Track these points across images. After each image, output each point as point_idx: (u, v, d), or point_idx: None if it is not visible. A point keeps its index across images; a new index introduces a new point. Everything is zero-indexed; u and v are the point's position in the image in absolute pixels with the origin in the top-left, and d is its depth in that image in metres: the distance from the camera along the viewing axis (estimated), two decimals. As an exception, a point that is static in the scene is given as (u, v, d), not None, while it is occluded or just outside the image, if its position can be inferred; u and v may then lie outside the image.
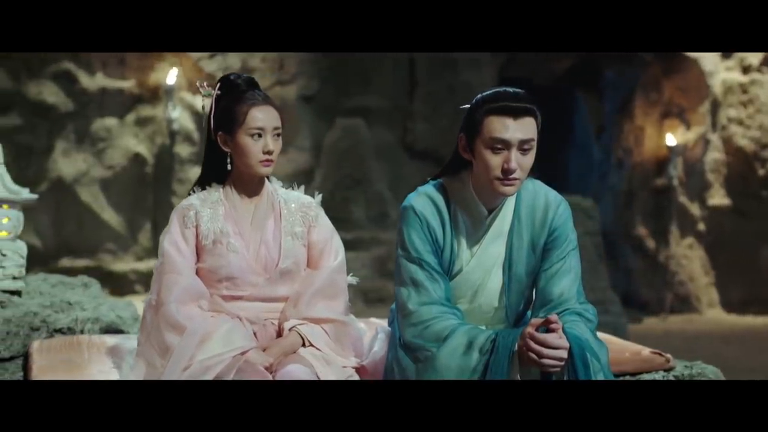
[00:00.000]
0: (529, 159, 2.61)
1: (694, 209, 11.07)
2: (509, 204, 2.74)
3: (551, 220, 2.72)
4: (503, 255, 2.74)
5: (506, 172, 2.57)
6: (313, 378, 2.66)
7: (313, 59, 10.21)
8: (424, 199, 2.73)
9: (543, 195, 2.75)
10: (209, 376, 2.63)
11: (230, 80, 2.95)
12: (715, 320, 10.75)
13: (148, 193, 9.72)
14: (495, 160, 2.58)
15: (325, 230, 2.99)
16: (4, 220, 3.84)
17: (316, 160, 10.13)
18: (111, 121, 9.63)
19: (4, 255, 3.80)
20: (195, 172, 9.70)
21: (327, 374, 2.74)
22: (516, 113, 2.57)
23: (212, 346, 2.68)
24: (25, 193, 3.89)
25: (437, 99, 10.39)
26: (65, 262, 9.33)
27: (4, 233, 3.85)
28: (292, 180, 9.66)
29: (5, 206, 3.84)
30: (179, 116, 9.55)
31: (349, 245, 9.08)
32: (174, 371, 2.65)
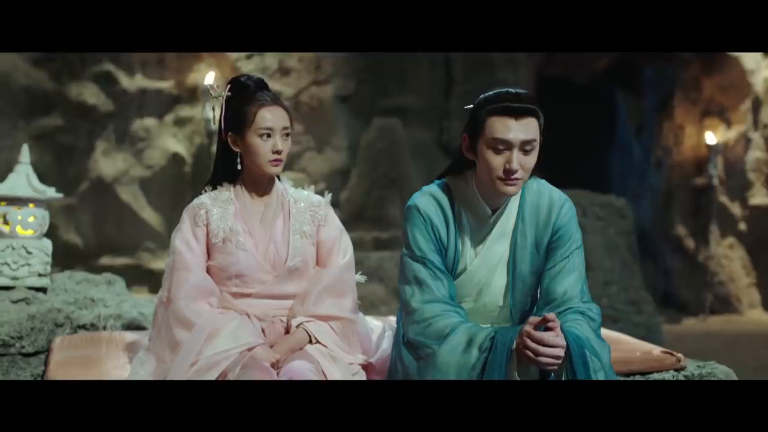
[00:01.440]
0: (531, 159, 2.62)
1: (735, 209, 10.95)
2: (513, 204, 2.75)
3: (555, 220, 2.73)
4: (507, 254, 2.74)
5: (508, 173, 2.58)
6: (317, 374, 2.69)
7: (350, 59, 10.27)
8: (429, 199, 2.75)
9: (547, 195, 2.76)
10: (216, 372, 2.68)
11: (240, 82, 2.99)
12: (755, 321, 10.61)
13: (186, 193, 9.83)
14: (497, 161, 2.59)
15: (334, 229, 3.03)
16: (30, 219, 3.93)
17: (352, 160, 10.19)
18: (150, 122, 9.77)
19: (30, 253, 3.89)
20: (232, 171, 9.84)
21: (333, 371, 2.78)
22: (518, 114, 2.58)
23: (220, 341, 2.73)
24: (51, 192, 3.98)
25: (474, 98, 10.36)
26: (105, 260, 9.49)
27: (30, 231, 3.94)
28: (328, 179, 9.71)
29: (31, 205, 3.93)
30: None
31: (384, 244, 9.19)
32: (182, 366, 2.70)
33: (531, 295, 2.80)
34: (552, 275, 2.70)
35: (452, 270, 2.74)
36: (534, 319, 2.47)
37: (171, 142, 9.83)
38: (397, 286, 2.78)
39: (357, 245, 9.36)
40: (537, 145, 2.61)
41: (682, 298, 11.14)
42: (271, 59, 10.05)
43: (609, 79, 11.66)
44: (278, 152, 2.88)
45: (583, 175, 11.24)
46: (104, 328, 3.84)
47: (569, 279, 2.69)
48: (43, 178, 9.18)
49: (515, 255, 2.74)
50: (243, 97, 2.95)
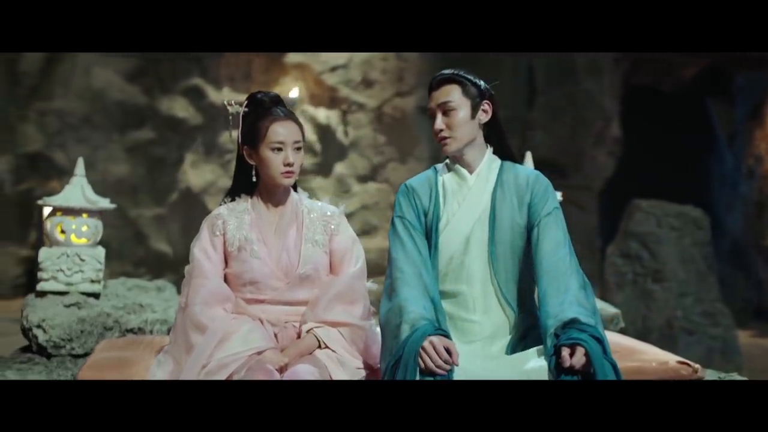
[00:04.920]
0: (454, 118, 2.96)
1: (831, 219, 10.62)
2: (492, 171, 3.04)
3: (532, 185, 3.01)
4: (488, 209, 2.98)
5: (436, 134, 2.98)
6: (318, 378, 2.80)
7: (432, 70, 10.33)
8: (418, 177, 3.14)
9: (522, 168, 3.08)
10: (225, 373, 2.81)
11: (256, 98, 3.14)
12: None
13: (270, 202, 10.07)
14: (432, 128, 3.00)
15: (346, 238, 3.15)
16: (84, 228, 4.16)
17: (435, 170, 10.26)
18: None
19: (83, 260, 4.12)
20: (316, 182, 10.02)
21: (340, 375, 2.89)
22: (437, 85, 3.01)
23: (231, 345, 2.87)
24: (103, 203, 4.20)
25: (556, 108, 10.34)
26: (195, 268, 9.75)
27: (83, 240, 4.17)
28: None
29: (85, 215, 4.16)
30: (301, 128, 9.86)
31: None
32: (194, 368, 2.84)
33: (512, 258, 2.98)
34: (541, 228, 2.93)
35: (436, 225, 2.99)
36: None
37: (257, 153, 10.08)
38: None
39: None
40: (457, 106, 2.96)
41: (776, 311, 10.85)
42: (354, 71, 10.22)
43: (699, 87, 11.44)
44: (289, 165, 3.02)
45: (683, 185, 11.05)
46: (151, 332, 4.04)
47: (554, 232, 2.93)
48: (136, 189, 9.60)
49: (495, 207, 2.99)
50: (258, 112, 3.10)
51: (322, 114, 10.15)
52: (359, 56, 10.19)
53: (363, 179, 10.21)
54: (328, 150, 10.16)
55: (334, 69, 10.18)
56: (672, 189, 9.53)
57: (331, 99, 10.23)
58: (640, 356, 3.31)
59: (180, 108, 9.89)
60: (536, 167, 10.22)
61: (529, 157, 4.87)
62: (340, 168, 10.22)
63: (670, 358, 3.30)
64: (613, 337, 3.64)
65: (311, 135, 10.04)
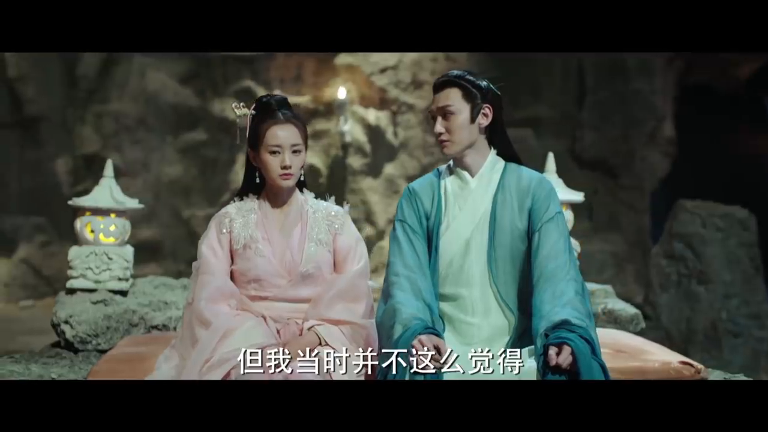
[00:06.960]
0: (453, 122, 2.99)
1: None
2: (494, 174, 3.07)
3: (534, 189, 3.02)
4: (489, 212, 3.01)
5: (437, 137, 3.02)
6: (317, 377, 2.86)
7: (482, 71, 10.31)
8: (421, 179, 3.22)
9: (526, 171, 3.09)
10: (226, 367, 2.88)
11: (263, 101, 3.23)
12: None
13: (321, 203, 10.17)
14: (433, 130, 3.03)
15: (349, 238, 3.22)
16: (112, 228, 4.30)
17: (485, 170, 10.24)
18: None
19: (110, 259, 4.25)
20: (367, 183, 10.11)
21: (340, 374, 2.93)
22: (438, 88, 3.04)
23: (233, 341, 2.95)
24: (131, 203, 4.33)
25: (607, 108, 10.24)
26: (245, 267, 9.90)
27: (111, 239, 4.31)
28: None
29: (113, 215, 4.30)
30: (351, 129, 9.96)
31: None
32: (197, 362, 2.92)
33: (512, 261, 3.00)
34: (541, 233, 2.95)
35: (437, 228, 3.04)
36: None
37: (307, 154, 10.17)
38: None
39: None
40: (456, 110, 2.98)
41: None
42: (404, 73, 10.27)
43: (756, 86, 11.21)
44: (286, 167, 3.10)
45: (741, 185, 10.86)
46: (174, 328, 4.15)
47: (554, 235, 2.94)
48: (189, 190, 9.76)
49: (495, 210, 3.01)
50: (262, 115, 3.18)
51: (372, 115, 10.21)
52: (409, 57, 10.24)
53: (413, 180, 10.23)
54: (378, 151, 10.22)
55: (383, 70, 10.24)
56: (729, 189, 9.37)
57: (380, 100, 10.29)
58: (644, 356, 3.32)
59: (231, 110, 10.04)
60: (587, 167, 10.20)
61: (551, 158, 4.87)
62: (389, 169, 10.27)
63: (674, 359, 3.30)
64: (622, 338, 3.66)
65: (361, 136, 10.12)
